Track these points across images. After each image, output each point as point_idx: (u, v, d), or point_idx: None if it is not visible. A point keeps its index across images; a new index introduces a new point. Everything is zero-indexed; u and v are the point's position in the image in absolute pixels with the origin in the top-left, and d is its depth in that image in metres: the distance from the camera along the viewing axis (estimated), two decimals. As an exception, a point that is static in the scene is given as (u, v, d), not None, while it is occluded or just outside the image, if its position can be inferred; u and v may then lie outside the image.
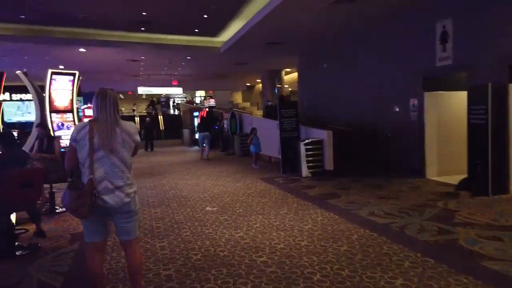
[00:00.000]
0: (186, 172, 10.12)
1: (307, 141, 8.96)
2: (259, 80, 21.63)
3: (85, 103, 18.10)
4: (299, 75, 14.25)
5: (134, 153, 2.96)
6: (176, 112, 37.11)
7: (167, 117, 32.66)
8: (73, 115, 9.74)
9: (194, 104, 32.29)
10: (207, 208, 5.98)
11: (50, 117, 9.21)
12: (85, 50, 11.49)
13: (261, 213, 5.59)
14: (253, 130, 10.76)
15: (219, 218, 5.41)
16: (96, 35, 10.79)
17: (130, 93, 37.54)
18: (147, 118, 19.79)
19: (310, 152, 8.85)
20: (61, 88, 9.41)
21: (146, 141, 17.39)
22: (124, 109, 39.86)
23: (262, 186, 7.76)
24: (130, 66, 14.44)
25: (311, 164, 8.84)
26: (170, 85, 18.36)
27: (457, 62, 7.17)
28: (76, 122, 9.79)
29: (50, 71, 9.06)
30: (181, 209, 6.01)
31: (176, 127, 28.48)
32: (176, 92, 18.63)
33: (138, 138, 2.92)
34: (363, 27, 10.02)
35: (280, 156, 9.58)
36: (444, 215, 5.21)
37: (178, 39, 11.96)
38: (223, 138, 16.11)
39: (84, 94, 20.50)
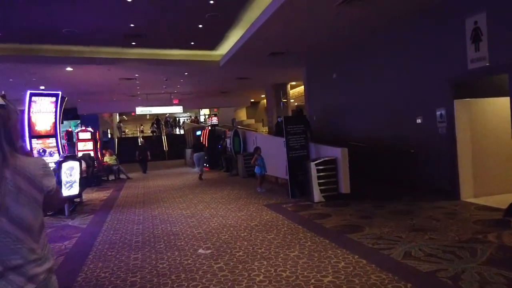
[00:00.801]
0: (182, 200, 9.02)
1: (318, 160, 7.82)
2: (263, 96, 20.68)
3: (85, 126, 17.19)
4: (305, 88, 13.23)
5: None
6: (182, 132, 36.37)
7: (172, 137, 31.89)
8: (57, 140, 8.75)
9: (196, 123, 31.51)
10: (200, 251, 4.84)
11: (30, 142, 8.24)
12: (71, 69, 10.61)
13: (267, 257, 4.43)
14: (257, 149, 9.66)
15: (212, 266, 4.27)
16: (82, 52, 9.92)
17: (133, 114, 37.01)
18: (140, 139, 19.02)
19: (322, 173, 7.70)
20: (42, 111, 8.46)
21: (140, 163, 17.03)
22: (128, 130, 39.60)
23: (268, 216, 6.61)
24: (125, 85, 13.57)
25: (324, 187, 7.68)
26: (170, 104, 17.48)
27: (494, 62, 6.04)
28: (60, 148, 8.81)
29: (28, 92, 8.14)
30: (168, 252, 4.88)
31: (180, 147, 27.70)
32: (176, 111, 17.69)
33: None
34: (377, 31, 8.99)
35: (287, 178, 8.44)
36: (505, 256, 4.01)
37: (173, 53, 11.07)
38: (226, 158, 15.03)
39: (82, 117, 19.70)
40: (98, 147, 15.10)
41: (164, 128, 33.15)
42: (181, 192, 10.35)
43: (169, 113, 39.49)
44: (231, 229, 5.87)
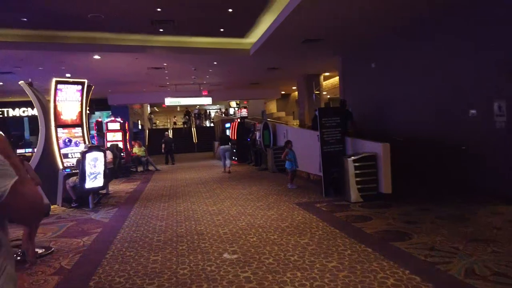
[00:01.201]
0: (209, 195, 8.60)
1: (356, 156, 7.13)
2: (294, 88, 19.97)
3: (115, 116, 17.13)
4: (341, 78, 12.45)
5: (16, 215, 1.36)
6: (211, 124, 36.23)
7: (201, 129, 31.81)
8: (83, 129, 8.54)
9: (223, 115, 31.27)
10: (225, 256, 4.35)
11: (56, 132, 8.05)
12: (99, 57, 10.39)
13: (300, 267, 3.87)
14: (288, 143, 9.06)
15: (239, 275, 3.76)
16: (109, 39, 9.65)
17: (164, 105, 37.20)
18: (166, 132, 18.93)
19: (360, 171, 7.01)
20: (68, 99, 8.25)
21: (166, 154, 17.32)
22: (159, 122, 39.96)
23: (300, 217, 6.03)
24: (154, 75, 13.27)
25: (361, 186, 6.99)
26: (200, 95, 17.15)
27: None
28: (86, 138, 8.59)
29: (54, 80, 7.93)
30: (191, 256, 4.42)
31: (209, 140, 27.50)
32: (205, 102, 17.35)
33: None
34: (422, 13, 8.11)
35: (321, 174, 7.80)
36: None
37: (201, 41, 10.61)
38: (256, 152, 14.54)
39: (113, 108, 19.78)
40: (127, 138, 15.01)
41: (194, 120, 33.10)
42: (208, 187, 9.95)
43: (199, 105, 39.64)
44: (260, 230, 5.35)
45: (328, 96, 19.56)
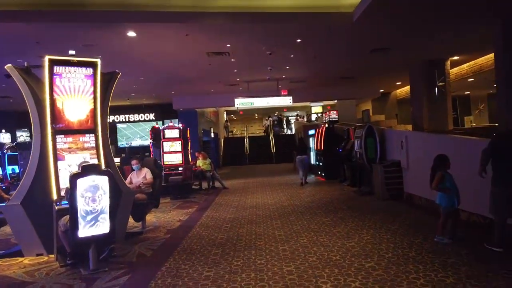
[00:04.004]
0: (284, 239, 5.05)
1: None
2: (399, 83, 15.51)
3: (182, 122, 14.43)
4: (498, 60, 7.96)
5: None
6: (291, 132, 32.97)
7: (281, 138, 28.70)
8: (98, 138, 5.59)
9: (302, 120, 27.91)
10: None
11: (53, 139, 5.21)
12: (134, 35, 7.49)
13: None
14: (442, 160, 4.94)
15: None
16: (144, 4, 6.60)
17: (241, 112, 34.87)
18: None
19: None
20: (72, 91, 5.37)
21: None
22: (236, 130, 37.84)
23: None
24: (218, 66, 10.11)
25: None
26: (277, 94, 13.78)
27: None
28: (102, 151, 5.62)
29: (47, 58, 5.09)
30: None
31: (288, 149, 24.25)
32: (284, 103, 13.92)
33: None
34: None
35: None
36: None
37: (278, 3, 6.99)
38: (353, 167, 10.60)
39: (179, 113, 17.40)
40: (189, 148, 12.20)
41: (271, 127, 30.15)
42: (285, 220, 6.47)
43: (277, 112, 36.57)
44: None
45: (453, 92, 14.40)
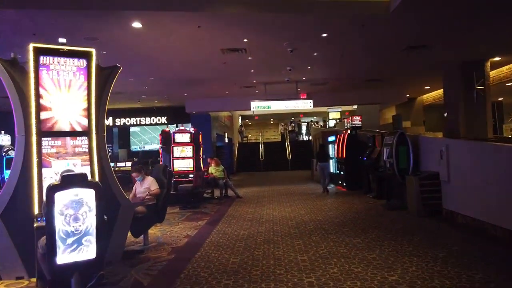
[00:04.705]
0: (308, 264, 4.11)
1: None
2: (427, 87, 14.43)
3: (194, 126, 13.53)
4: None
5: None
6: (305, 138, 32.05)
7: (298, 144, 27.81)
8: (91, 141, 4.77)
9: (316, 126, 27.02)
10: None
11: (39, 142, 4.42)
12: (140, 25, 6.67)
13: None
14: None
15: None
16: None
17: (256, 117, 34.03)
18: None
19: None
20: (62, 84, 4.58)
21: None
22: (251, 135, 37.06)
23: None
24: (234, 65, 9.22)
25: None
26: (296, 97, 12.86)
27: None
28: (96, 157, 4.81)
29: (31, 46, 4.32)
30: None
31: (305, 156, 23.31)
32: (304, 107, 12.99)
33: None
34: None
35: None
36: None
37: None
38: (381, 178, 9.58)
39: (192, 117, 16.64)
40: (201, 153, 11.38)
41: (287, 133, 29.29)
42: (308, 241, 5.55)
43: (293, 118, 35.61)
44: None
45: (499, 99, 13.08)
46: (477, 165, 6.09)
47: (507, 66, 10.74)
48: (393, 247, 5.22)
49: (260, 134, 31.39)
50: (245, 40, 7.19)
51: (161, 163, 11.08)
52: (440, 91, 15.20)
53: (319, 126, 32.00)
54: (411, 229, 6.30)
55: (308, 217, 7.72)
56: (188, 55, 8.42)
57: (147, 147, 22.07)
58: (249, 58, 8.68)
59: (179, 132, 10.88)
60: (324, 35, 7.02)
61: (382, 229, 6.39)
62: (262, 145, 25.70)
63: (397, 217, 7.38)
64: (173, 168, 10.59)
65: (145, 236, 5.96)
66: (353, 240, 5.71)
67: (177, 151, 10.73)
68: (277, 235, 6.27)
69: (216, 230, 6.82)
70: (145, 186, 6.04)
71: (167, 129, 11.13)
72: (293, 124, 28.52)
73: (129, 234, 5.54)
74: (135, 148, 21.57)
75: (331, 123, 29.48)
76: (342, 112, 30.52)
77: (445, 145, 7.00)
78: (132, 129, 20.53)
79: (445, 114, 10.44)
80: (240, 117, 33.04)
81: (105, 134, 5.11)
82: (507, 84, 11.50)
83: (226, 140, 21.38)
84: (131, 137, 21.55)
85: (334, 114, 30.47)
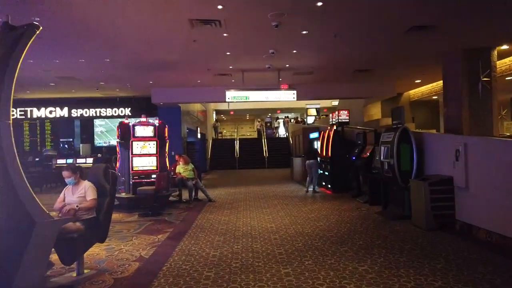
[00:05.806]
0: None
1: None
2: (418, 81, 13.36)
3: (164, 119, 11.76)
4: None
5: None
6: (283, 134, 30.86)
7: (274, 141, 26.72)
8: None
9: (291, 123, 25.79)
10: None
11: None
12: None
13: None
14: None
15: None
16: None
17: (232, 113, 32.51)
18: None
19: None
20: None
21: None
22: (226, 131, 35.69)
23: None
24: (205, 42, 7.55)
25: None
26: (276, 87, 11.41)
27: None
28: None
29: None
30: None
31: (282, 153, 22.18)
32: (286, 98, 11.54)
33: None
34: None
35: None
36: None
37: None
38: (375, 181, 8.29)
39: (160, 110, 14.90)
40: (166, 150, 9.75)
41: (264, 130, 28.08)
42: (299, 267, 4.10)
43: (269, 114, 34.34)
44: None
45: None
46: (506, 167, 4.86)
47: (509, 58, 9.68)
48: (414, 278, 3.88)
49: (236, 130, 29.99)
50: (220, 6, 5.64)
51: (118, 161, 9.38)
52: (430, 85, 14.22)
53: (294, 122, 30.93)
54: (429, 249, 4.99)
55: (294, 230, 6.31)
56: (149, 28, 6.76)
57: (112, 142, 20.25)
58: (225, 34, 7.11)
59: (140, 125, 9.19)
60: (320, 3, 5.60)
61: (389, 248, 5.06)
62: (238, 141, 24.41)
63: (402, 230, 6.08)
64: (132, 167, 8.93)
65: (79, 263, 4.35)
66: (356, 265, 4.35)
67: (137, 147, 9.05)
68: (258, 258, 4.81)
69: (179, 250, 5.29)
70: (79, 194, 4.42)
71: (126, 121, 9.41)
72: (270, 120, 27.29)
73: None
74: (99, 143, 19.70)
75: (310, 120, 28.40)
76: (320, 109, 29.51)
77: (463, 143, 5.74)
78: (96, 121, 18.62)
79: (445, 110, 9.27)
80: (214, 112, 31.49)
81: (10, 122, 3.47)
82: (506, 78, 10.49)
83: (199, 136, 19.73)
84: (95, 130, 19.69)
85: (312, 111, 29.44)
